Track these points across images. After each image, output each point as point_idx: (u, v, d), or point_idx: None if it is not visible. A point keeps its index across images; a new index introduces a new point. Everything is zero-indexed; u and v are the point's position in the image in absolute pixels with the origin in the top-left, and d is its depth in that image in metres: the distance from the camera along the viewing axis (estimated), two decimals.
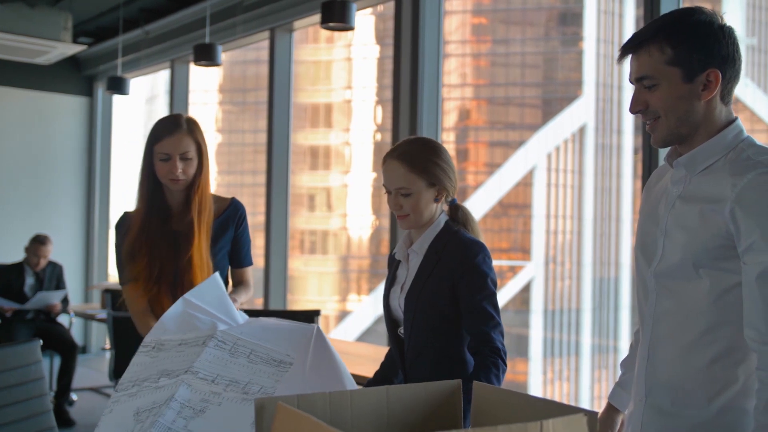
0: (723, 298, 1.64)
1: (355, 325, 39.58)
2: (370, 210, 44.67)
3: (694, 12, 1.68)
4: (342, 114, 45.52)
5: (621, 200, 42.15)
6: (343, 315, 41.50)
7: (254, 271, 2.91)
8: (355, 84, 45.18)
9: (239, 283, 2.79)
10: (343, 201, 45.10)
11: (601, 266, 41.51)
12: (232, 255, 2.76)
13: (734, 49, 1.66)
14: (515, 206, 42.40)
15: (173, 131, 2.55)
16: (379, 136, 44.97)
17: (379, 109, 44.92)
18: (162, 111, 44.62)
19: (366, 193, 44.98)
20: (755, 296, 1.57)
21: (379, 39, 43.94)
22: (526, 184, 41.89)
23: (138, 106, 40.15)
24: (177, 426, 1.68)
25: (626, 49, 1.72)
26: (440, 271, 2.17)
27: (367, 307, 40.90)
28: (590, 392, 38.98)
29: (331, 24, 4.74)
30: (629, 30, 42.17)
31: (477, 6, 44.42)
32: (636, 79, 1.71)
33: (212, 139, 43.53)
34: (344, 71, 45.47)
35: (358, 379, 3.64)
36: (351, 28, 4.84)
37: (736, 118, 1.72)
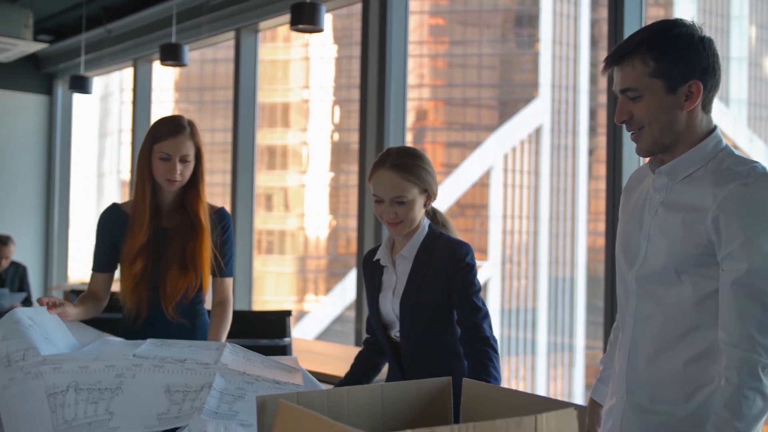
0: (703, 303, 1.72)
1: (312, 325, 39.44)
2: (328, 210, 44.58)
3: (675, 24, 1.74)
4: (299, 114, 45.35)
5: (576, 200, 42.63)
6: (300, 315, 41.34)
7: None
8: (313, 84, 45.03)
9: (219, 303, 2.70)
10: (301, 201, 44.94)
11: (556, 266, 41.96)
12: (214, 264, 2.70)
13: (714, 60, 1.73)
14: (472, 206, 42.66)
15: (176, 133, 2.55)
16: (336, 136, 44.89)
17: (337, 108, 44.84)
18: (116, 109, 44.04)
19: (323, 193, 44.87)
20: (729, 301, 1.66)
21: (337, 39, 43.84)
22: (482, 184, 42.18)
23: (93, 104, 39.60)
24: (222, 410, 1.77)
25: (610, 61, 1.77)
26: (434, 273, 2.28)
27: (325, 307, 40.79)
28: (546, 390, 39.33)
29: (300, 26, 4.77)
30: (585, 32, 42.66)
31: (434, 7, 44.58)
32: (620, 91, 1.77)
33: None
34: (302, 71, 45.30)
35: (330, 379, 3.68)
36: (320, 30, 4.86)
37: (715, 127, 1.79)
